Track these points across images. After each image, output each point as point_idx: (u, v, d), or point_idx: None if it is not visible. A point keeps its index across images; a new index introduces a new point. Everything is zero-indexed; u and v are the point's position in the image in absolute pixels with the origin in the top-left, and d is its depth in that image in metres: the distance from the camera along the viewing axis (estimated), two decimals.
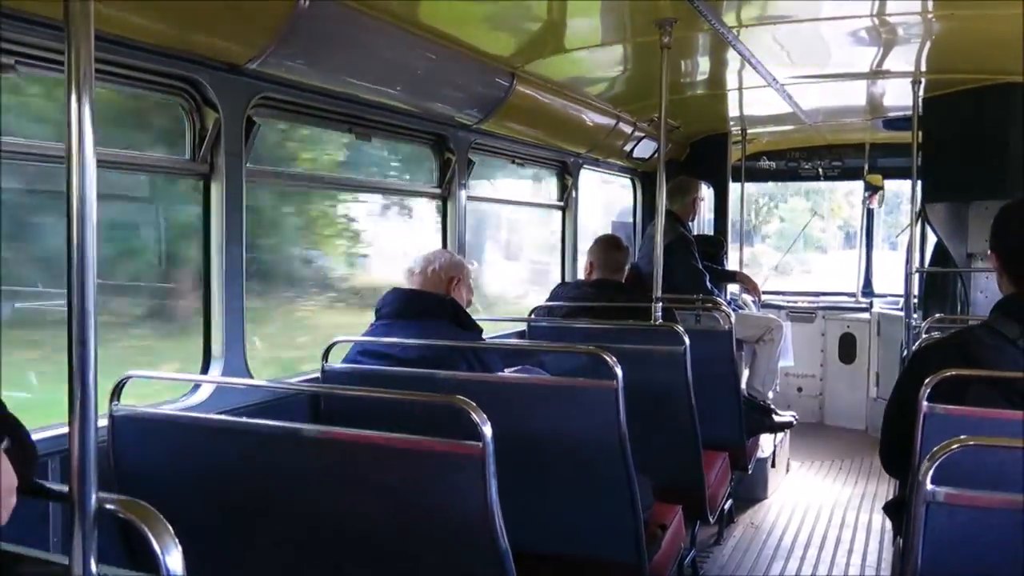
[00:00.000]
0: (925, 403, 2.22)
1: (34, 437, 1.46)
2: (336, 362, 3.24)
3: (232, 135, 2.90)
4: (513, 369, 3.44)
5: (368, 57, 3.27)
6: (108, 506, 1.24)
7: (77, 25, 1.21)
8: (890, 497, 4.46)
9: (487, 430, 1.93)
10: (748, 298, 6.67)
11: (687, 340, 3.58)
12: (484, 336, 3.41)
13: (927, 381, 2.23)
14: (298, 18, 2.74)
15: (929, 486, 1.75)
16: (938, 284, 5.94)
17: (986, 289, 5.55)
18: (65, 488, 1.24)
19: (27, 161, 2.37)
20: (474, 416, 1.95)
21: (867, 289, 8.22)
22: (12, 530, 1.27)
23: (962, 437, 1.75)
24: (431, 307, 3.22)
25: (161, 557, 1.22)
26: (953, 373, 2.24)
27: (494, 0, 3.28)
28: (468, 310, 3.36)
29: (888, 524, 4.05)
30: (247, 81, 2.92)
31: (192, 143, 2.88)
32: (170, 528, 1.23)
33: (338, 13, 2.93)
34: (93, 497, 1.22)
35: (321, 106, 3.38)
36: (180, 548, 1.23)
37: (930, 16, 3.81)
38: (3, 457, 1.19)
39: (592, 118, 5.37)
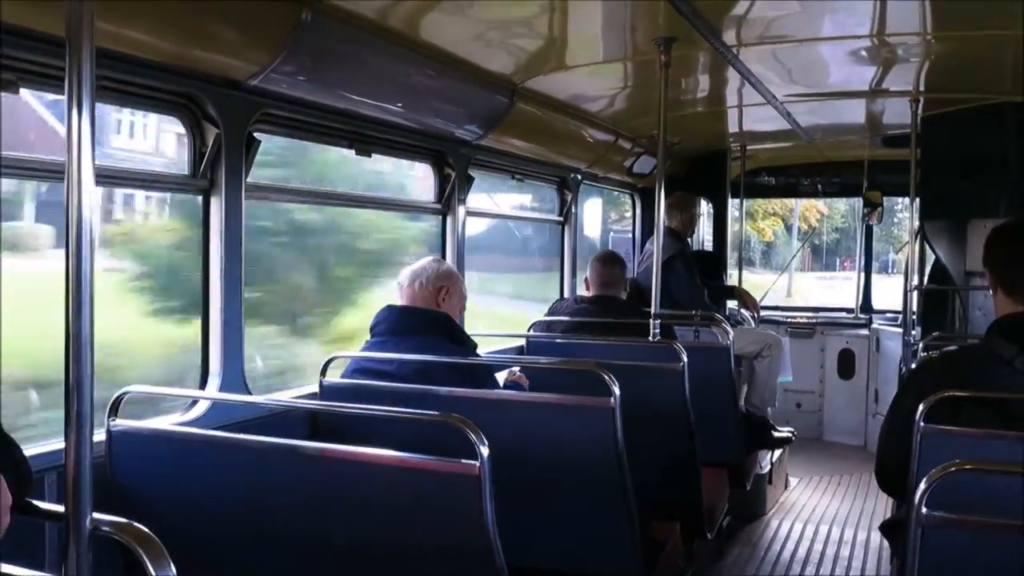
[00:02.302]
0: (921, 423, 2.22)
1: (32, 453, 1.46)
2: (333, 379, 3.24)
3: (232, 151, 2.91)
4: (505, 373, 3.46)
5: (369, 74, 3.29)
6: (103, 528, 1.24)
7: (78, 41, 1.21)
8: (888, 515, 4.45)
9: (484, 450, 1.93)
10: (746, 314, 6.67)
11: (685, 357, 3.58)
12: (483, 350, 3.41)
13: (923, 402, 2.24)
14: (299, 35, 2.75)
15: (924, 510, 1.76)
16: (936, 302, 5.95)
17: (984, 307, 5.55)
18: (61, 508, 1.24)
19: (29, 177, 2.38)
20: (471, 435, 1.95)
21: (866, 306, 8.22)
22: (6, 548, 1.27)
23: (957, 461, 1.75)
24: (425, 323, 3.22)
25: None
26: (948, 394, 2.24)
27: (495, 18, 3.30)
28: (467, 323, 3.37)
29: (887, 542, 4.05)
30: (248, 97, 2.93)
31: (192, 158, 2.89)
32: (164, 550, 1.23)
33: (339, 30, 2.94)
34: (88, 518, 1.21)
35: (321, 122, 3.39)
36: (174, 570, 1.23)
37: (929, 37, 3.82)
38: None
39: (592, 134, 5.39)
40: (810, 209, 25.33)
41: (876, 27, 3.62)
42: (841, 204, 23.08)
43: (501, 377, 3.63)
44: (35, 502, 1.36)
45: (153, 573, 1.22)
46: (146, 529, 1.25)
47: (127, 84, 2.58)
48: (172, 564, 1.22)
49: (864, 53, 4.09)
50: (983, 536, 1.80)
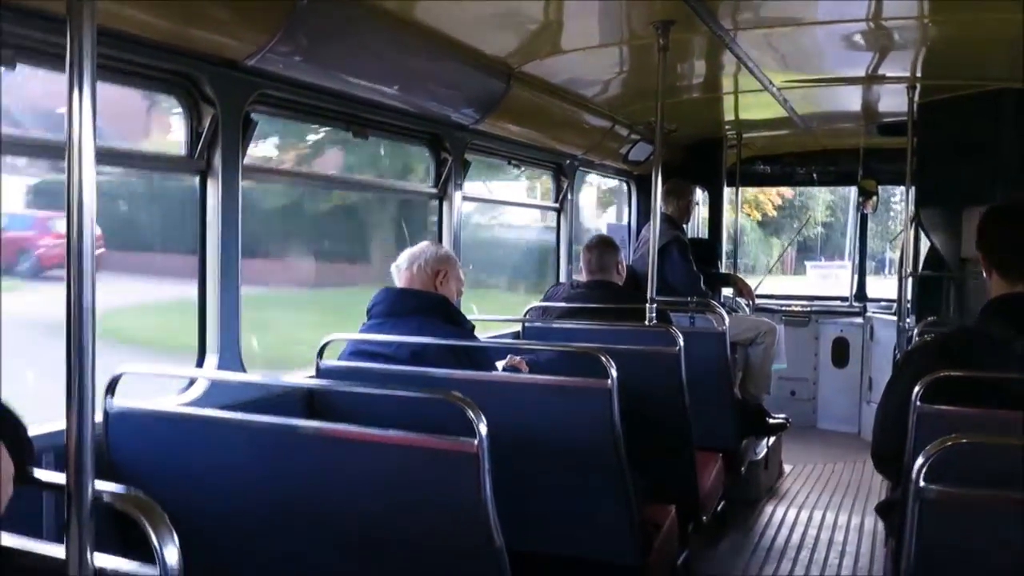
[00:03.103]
0: (918, 403, 2.23)
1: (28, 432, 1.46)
2: (331, 361, 3.23)
3: (229, 132, 2.90)
4: (505, 362, 3.46)
5: (366, 55, 3.27)
6: (105, 498, 1.24)
7: (79, 19, 1.20)
8: (882, 499, 4.47)
9: (482, 428, 1.93)
10: (741, 301, 6.69)
11: (681, 341, 3.59)
12: (480, 335, 3.41)
13: (920, 382, 2.24)
14: (297, 15, 2.74)
15: (922, 484, 1.76)
16: (931, 289, 5.97)
17: (979, 293, 5.57)
18: (62, 478, 1.24)
19: (28, 155, 2.37)
20: (469, 413, 1.95)
21: (860, 294, 8.24)
22: (6, 520, 1.27)
23: (954, 435, 1.76)
24: (421, 305, 3.23)
25: (158, 548, 1.22)
26: (944, 375, 2.25)
27: (491, 0, 3.29)
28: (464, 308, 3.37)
29: (880, 526, 4.06)
30: (245, 78, 2.92)
31: (189, 139, 2.88)
32: (167, 520, 1.23)
33: (336, 11, 2.92)
34: (90, 488, 1.21)
35: (318, 104, 3.38)
36: (177, 540, 1.23)
37: (926, 21, 3.83)
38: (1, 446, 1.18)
39: (588, 120, 5.38)
40: (766, 191, 21.17)
41: (872, 11, 3.62)
42: (827, 193, 21.86)
43: (500, 366, 3.64)
44: (35, 472, 1.35)
45: (156, 543, 1.22)
46: (149, 499, 1.25)
47: (124, 62, 2.57)
48: (175, 533, 1.22)
49: (860, 38, 4.09)
50: (979, 511, 1.81)
